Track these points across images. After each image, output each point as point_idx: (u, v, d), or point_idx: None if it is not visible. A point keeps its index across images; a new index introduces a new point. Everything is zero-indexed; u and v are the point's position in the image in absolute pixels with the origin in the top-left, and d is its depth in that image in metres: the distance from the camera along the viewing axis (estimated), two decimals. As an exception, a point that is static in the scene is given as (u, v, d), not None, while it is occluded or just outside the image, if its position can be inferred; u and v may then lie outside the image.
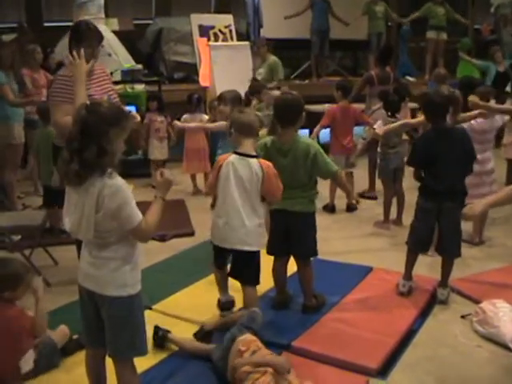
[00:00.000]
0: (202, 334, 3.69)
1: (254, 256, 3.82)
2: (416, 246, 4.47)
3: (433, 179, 4.26)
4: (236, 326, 3.47)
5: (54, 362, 3.45)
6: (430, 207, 4.30)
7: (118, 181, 2.58)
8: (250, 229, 3.72)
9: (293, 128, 3.99)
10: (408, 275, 4.45)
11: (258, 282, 3.90)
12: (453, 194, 4.25)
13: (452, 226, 4.31)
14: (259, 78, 8.97)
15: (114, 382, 2.86)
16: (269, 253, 4.16)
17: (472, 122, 5.27)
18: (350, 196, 5.03)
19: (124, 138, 2.67)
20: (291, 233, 4.03)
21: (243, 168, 3.70)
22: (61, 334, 3.57)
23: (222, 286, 4.09)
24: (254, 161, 3.70)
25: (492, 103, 5.46)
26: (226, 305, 4.05)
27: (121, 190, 2.56)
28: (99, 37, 4.17)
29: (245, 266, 3.84)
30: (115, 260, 2.66)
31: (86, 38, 4.03)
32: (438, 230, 4.40)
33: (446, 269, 4.40)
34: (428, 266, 4.82)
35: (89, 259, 2.70)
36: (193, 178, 7.72)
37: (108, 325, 2.73)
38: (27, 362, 3.33)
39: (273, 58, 9.56)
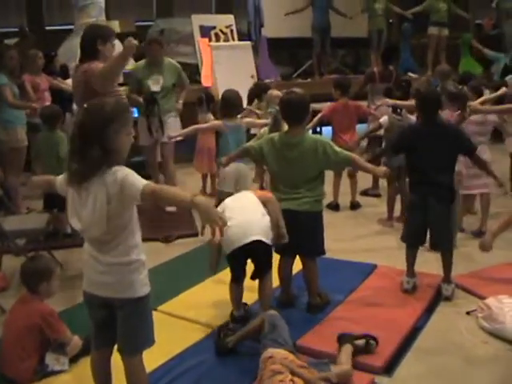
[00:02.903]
0: (226, 351, 3.62)
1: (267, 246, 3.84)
2: (409, 240, 4.48)
3: (416, 173, 4.33)
4: (266, 341, 3.33)
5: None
6: (416, 201, 4.35)
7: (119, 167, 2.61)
8: (256, 222, 3.77)
9: (300, 125, 4.06)
10: (411, 272, 4.45)
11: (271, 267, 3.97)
12: (436, 188, 4.27)
13: (439, 221, 4.32)
14: (157, 88, 6.52)
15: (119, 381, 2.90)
16: (276, 251, 4.18)
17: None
18: (375, 172, 4.29)
19: (127, 131, 2.68)
20: (299, 232, 4.03)
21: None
22: (73, 344, 3.57)
23: (238, 302, 4.03)
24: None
25: (488, 96, 5.52)
26: (240, 319, 3.96)
27: (119, 169, 2.58)
28: (115, 34, 4.83)
29: (262, 257, 3.86)
30: (128, 264, 2.69)
31: (111, 35, 4.63)
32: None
33: (446, 264, 4.41)
34: (433, 263, 4.81)
35: (99, 268, 2.71)
36: (203, 178, 7.69)
37: (124, 323, 2.77)
38: (61, 363, 3.46)
39: (171, 60, 6.87)
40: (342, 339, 3.57)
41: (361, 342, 3.56)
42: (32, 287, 3.51)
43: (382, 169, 4.15)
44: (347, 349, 3.47)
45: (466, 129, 5.32)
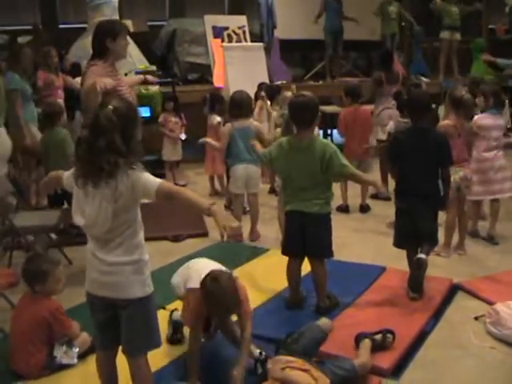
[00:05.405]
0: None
1: None
2: (404, 244, 4.40)
3: (403, 182, 4.25)
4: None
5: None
6: (404, 207, 4.28)
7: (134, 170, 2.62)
8: None
9: (309, 129, 4.04)
10: None
11: None
12: (422, 196, 4.21)
13: (426, 222, 4.25)
14: None
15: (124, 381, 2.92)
16: (284, 253, 4.19)
17: (475, 117, 5.27)
18: (377, 185, 4.62)
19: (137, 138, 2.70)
20: (307, 234, 4.05)
21: None
22: (82, 340, 3.59)
23: None
24: None
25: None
26: None
27: (134, 171, 2.60)
28: (127, 29, 4.76)
29: None
30: (131, 263, 2.69)
31: (121, 31, 4.41)
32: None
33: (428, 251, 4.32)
34: (441, 267, 4.81)
35: (102, 268, 2.70)
36: (211, 178, 7.71)
37: (128, 324, 2.76)
38: (70, 356, 3.48)
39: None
40: (359, 337, 3.59)
41: (378, 337, 3.57)
42: (31, 287, 3.53)
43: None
44: (366, 344, 3.51)
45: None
